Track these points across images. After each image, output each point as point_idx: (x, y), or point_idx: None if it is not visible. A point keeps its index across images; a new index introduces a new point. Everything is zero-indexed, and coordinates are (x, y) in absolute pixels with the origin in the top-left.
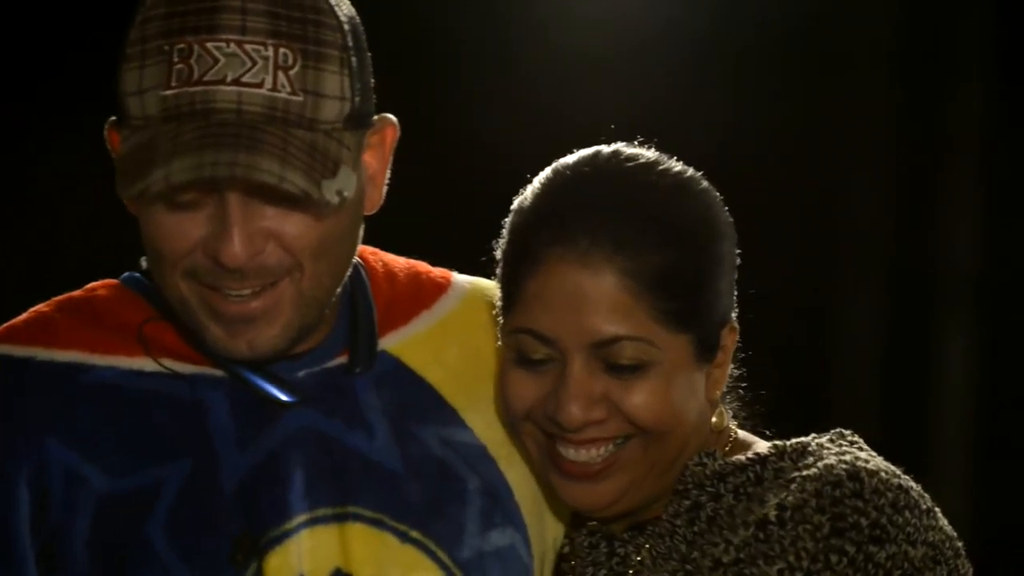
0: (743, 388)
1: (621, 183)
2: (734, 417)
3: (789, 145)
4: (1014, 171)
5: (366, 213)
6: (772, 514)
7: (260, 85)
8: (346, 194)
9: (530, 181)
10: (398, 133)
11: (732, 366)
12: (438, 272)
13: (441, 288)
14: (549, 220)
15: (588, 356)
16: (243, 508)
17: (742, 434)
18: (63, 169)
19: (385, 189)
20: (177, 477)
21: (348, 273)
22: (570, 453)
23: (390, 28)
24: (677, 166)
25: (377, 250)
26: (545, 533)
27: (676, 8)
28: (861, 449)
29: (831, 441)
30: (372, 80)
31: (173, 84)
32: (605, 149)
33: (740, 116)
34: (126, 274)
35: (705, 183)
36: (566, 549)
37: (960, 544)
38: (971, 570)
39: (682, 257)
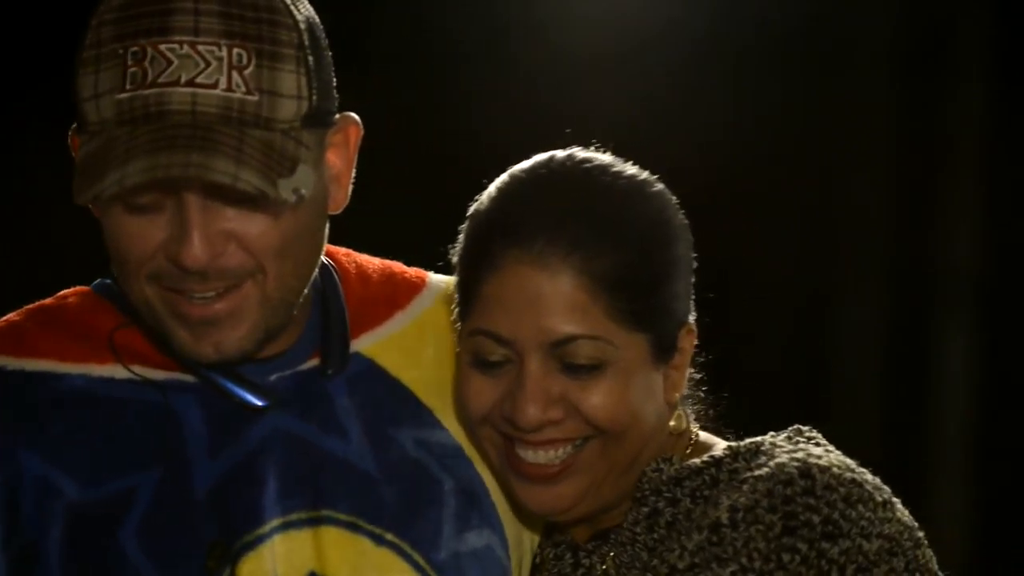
0: (704, 390)
1: (576, 185)
2: (696, 420)
3: (789, 145)
4: (1014, 171)
5: (331, 212)
6: (724, 516)
7: (215, 86)
8: (304, 192)
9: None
10: (361, 131)
11: (691, 369)
12: (413, 272)
13: (416, 288)
14: (505, 223)
15: (545, 356)
16: (216, 514)
17: (703, 436)
18: (63, 169)
19: (351, 188)
20: (149, 484)
21: (316, 274)
22: (528, 455)
23: (390, 28)
24: (632, 169)
25: (350, 251)
26: (522, 535)
27: (676, 8)
28: (818, 445)
29: (787, 439)
30: (334, 79)
31: (128, 87)
32: (560, 153)
33: (740, 116)
34: (97, 281)
35: (660, 186)
36: (537, 560)
37: (921, 535)
38: (933, 559)
39: (638, 258)
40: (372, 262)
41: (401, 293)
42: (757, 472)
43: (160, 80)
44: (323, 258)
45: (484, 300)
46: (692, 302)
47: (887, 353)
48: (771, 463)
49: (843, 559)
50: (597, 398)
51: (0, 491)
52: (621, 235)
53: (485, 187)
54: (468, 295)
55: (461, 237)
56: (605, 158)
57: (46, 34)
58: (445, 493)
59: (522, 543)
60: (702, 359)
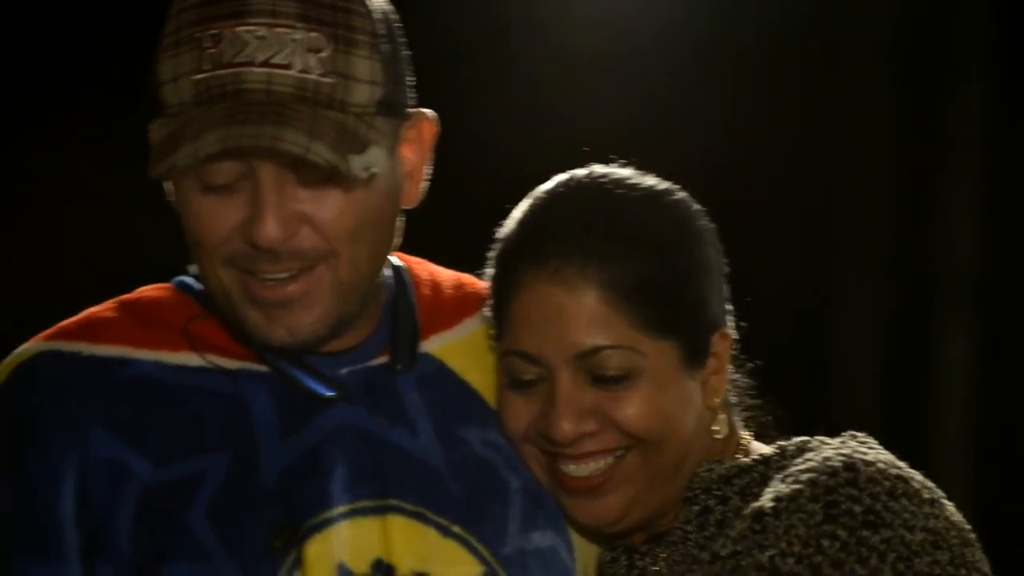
0: (753, 397)
1: (589, 199)
2: (746, 428)
3: (789, 145)
4: (1014, 171)
5: (404, 207)
6: (768, 505)
7: (290, 67)
8: (374, 171)
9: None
10: (436, 128)
11: (740, 375)
12: (483, 284)
13: (484, 298)
14: (523, 244)
15: (574, 370)
16: (283, 499)
17: (755, 444)
18: (63, 169)
19: (424, 185)
20: (219, 467)
21: (390, 274)
22: (571, 469)
23: None
24: (650, 180)
25: (424, 260)
26: (590, 544)
27: (676, 8)
28: (870, 448)
29: (840, 441)
30: (409, 74)
31: (205, 68)
32: (579, 171)
33: (740, 116)
34: (176, 278)
35: (681, 194)
36: (597, 565)
37: (973, 536)
38: (985, 562)
39: (657, 265)
40: (444, 272)
41: (471, 301)
42: (802, 466)
43: (237, 61)
44: (397, 261)
45: (512, 321)
46: (727, 308)
47: (887, 353)
48: (817, 457)
49: (884, 547)
50: (630, 408)
51: (73, 470)
52: (637, 244)
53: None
54: (499, 318)
55: (490, 262)
56: (622, 172)
57: (47, 34)
58: (511, 492)
59: (589, 551)
60: (751, 365)
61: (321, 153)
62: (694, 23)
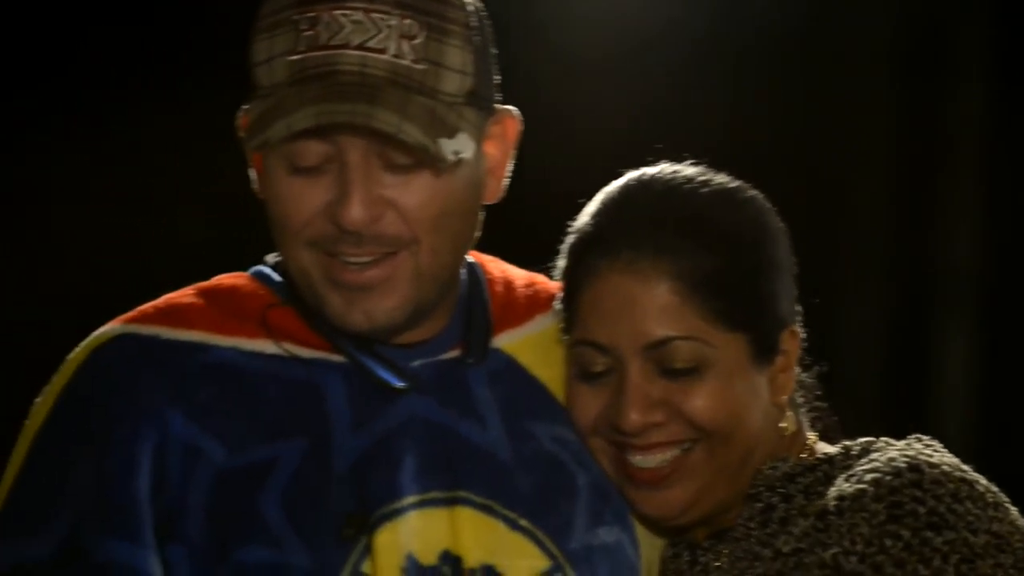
0: (818, 396)
1: (661, 194)
2: (812, 428)
3: (789, 145)
4: (1014, 171)
5: (486, 202)
6: (831, 504)
7: (384, 51)
8: (463, 156)
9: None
10: (520, 126)
11: (806, 375)
12: (554, 284)
13: (554, 297)
14: (596, 236)
15: (643, 361)
16: (354, 487)
17: (820, 444)
18: (63, 169)
19: (506, 182)
20: (292, 454)
21: (465, 271)
22: (637, 460)
23: None
24: (721, 177)
25: (497, 259)
26: (655, 540)
27: (676, 8)
28: (935, 451)
29: (905, 443)
30: (496, 71)
31: (300, 49)
32: (651, 168)
33: (740, 116)
34: (254, 267)
35: (753, 193)
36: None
37: None
38: None
39: (727, 259)
40: (515, 270)
41: (543, 299)
42: (866, 466)
43: (332, 43)
44: (472, 259)
45: (583, 312)
46: (795, 307)
47: (887, 353)
48: (881, 458)
49: (947, 548)
50: (698, 400)
51: (150, 451)
52: (708, 237)
53: None
54: (569, 308)
55: (561, 254)
56: (693, 169)
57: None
58: (579, 487)
59: (654, 548)
60: (818, 367)
61: (412, 133)
62: (694, 23)
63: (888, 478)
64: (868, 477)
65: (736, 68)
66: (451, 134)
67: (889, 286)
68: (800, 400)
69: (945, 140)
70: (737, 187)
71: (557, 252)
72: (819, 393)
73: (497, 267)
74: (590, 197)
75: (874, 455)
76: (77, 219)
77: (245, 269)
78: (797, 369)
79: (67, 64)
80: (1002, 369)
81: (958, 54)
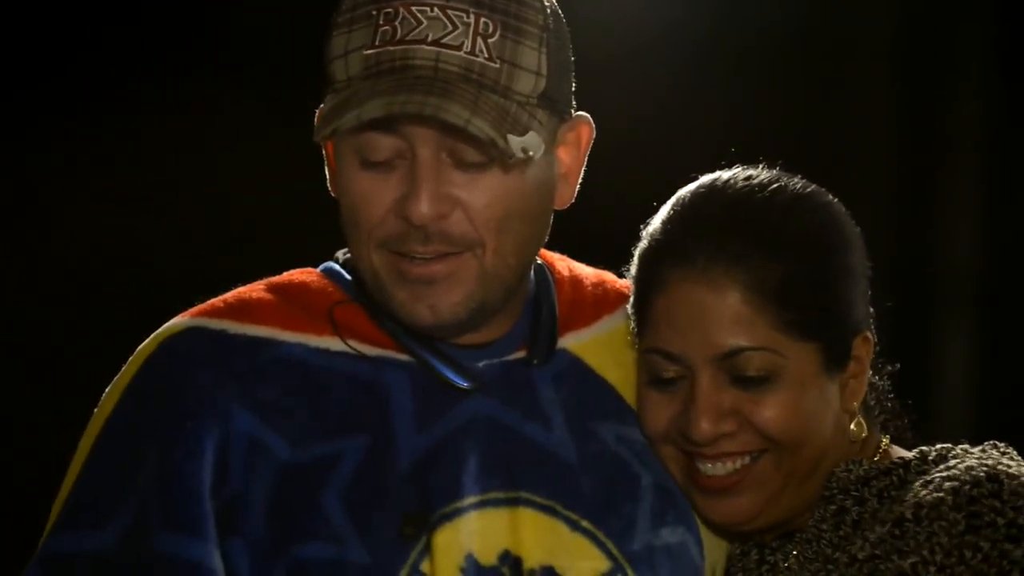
0: (891, 399)
1: (735, 201)
2: (883, 431)
3: (789, 145)
4: (1014, 171)
5: (557, 208)
6: (909, 512)
7: (459, 47)
8: (532, 153)
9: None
10: (594, 132)
11: (878, 379)
12: (623, 282)
13: (624, 296)
14: (669, 244)
15: (715, 370)
16: (416, 486)
17: (894, 448)
18: (63, 171)
19: (578, 187)
20: (355, 451)
21: (532, 274)
22: (707, 468)
23: None
24: (797, 183)
25: (566, 257)
26: (720, 541)
27: (676, 9)
28: (1012, 459)
29: (981, 450)
30: (572, 76)
31: (376, 44)
32: (724, 173)
33: (740, 116)
34: (324, 264)
35: (828, 198)
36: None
37: None
38: None
39: (801, 267)
40: (585, 269)
41: (611, 299)
42: (945, 473)
43: (408, 38)
44: (540, 261)
45: (655, 320)
46: (869, 312)
47: (887, 353)
48: (960, 466)
49: None
50: (769, 411)
51: (213, 444)
52: (782, 246)
53: None
54: (641, 315)
55: (633, 259)
56: (768, 174)
57: (46, 34)
58: (643, 488)
59: (719, 548)
60: (891, 369)
61: (481, 127)
62: (695, 23)
63: (967, 487)
64: (947, 485)
65: (736, 68)
66: (521, 132)
67: (889, 286)
68: (872, 403)
69: (945, 140)
70: (811, 192)
71: (558, 250)
72: (891, 395)
73: (566, 266)
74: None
75: (952, 462)
76: (77, 219)
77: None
78: (869, 372)
79: (67, 64)
80: (1002, 369)
81: (958, 54)
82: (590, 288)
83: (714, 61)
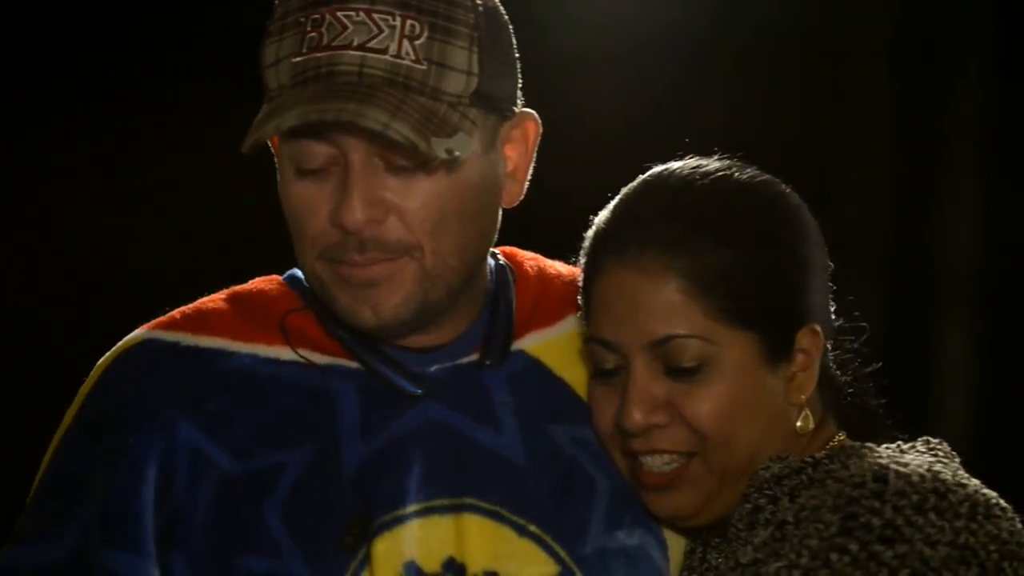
0: (851, 394)
1: (675, 189)
2: (843, 426)
3: (789, 145)
4: (1013, 171)
5: (505, 206)
6: (791, 515)
7: (384, 51)
8: (457, 154)
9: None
10: (540, 128)
11: (840, 373)
12: None
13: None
14: (608, 232)
15: (649, 359)
16: (359, 494)
17: (850, 443)
18: (63, 169)
19: (527, 185)
20: (299, 462)
21: (495, 268)
22: (647, 462)
23: None
24: (746, 173)
25: (539, 256)
26: (683, 539)
27: (675, 9)
28: (936, 454)
29: (911, 447)
30: (516, 72)
31: (304, 51)
32: (674, 163)
33: (739, 116)
34: (289, 271)
35: (779, 189)
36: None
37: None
38: None
39: (738, 256)
40: (558, 268)
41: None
42: (837, 473)
43: (334, 43)
44: (503, 260)
45: (593, 308)
46: (826, 304)
47: (887, 353)
48: (852, 465)
49: (896, 563)
50: (701, 405)
51: (156, 458)
52: (719, 234)
53: None
54: (585, 305)
55: (581, 250)
56: (716, 164)
57: (46, 34)
58: (597, 491)
59: (684, 545)
60: (857, 367)
61: (400, 130)
62: (694, 24)
63: (848, 488)
64: (832, 487)
65: (735, 68)
66: (449, 133)
67: (889, 286)
68: (829, 397)
69: (944, 140)
70: (759, 182)
71: (553, 251)
72: (869, 388)
73: (535, 265)
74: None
75: (851, 460)
76: (77, 219)
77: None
78: (834, 365)
79: (67, 64)
80: (1001, 369)
81: (958, 54)
82: (559, 287)
83: (712, 61)
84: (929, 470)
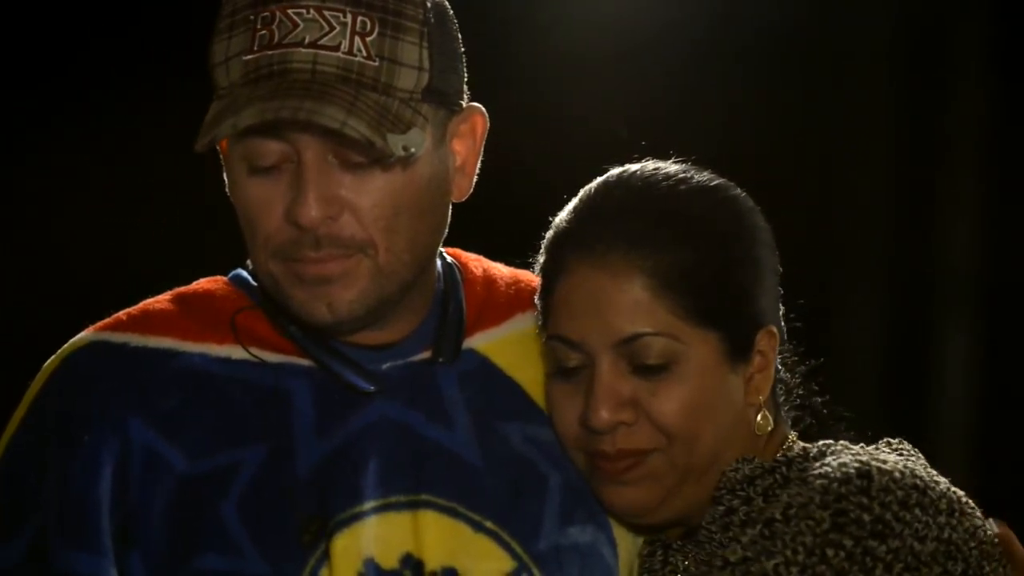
0: (800, 395)
1: (638, 190)
2: (795, 426)
3: (789, 145)
4: (1014, 171)
5: (454, 200)
6: (778, 512)
7: (336, 48)
8: (413, 151)
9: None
10: (487, 123)
11: (790, 375)
12: (539, 281)
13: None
14: (571, 231)
15: (614, 357)
16: (316, 492)
17: (799, 445)
18: (63, 169)
19: (475, 179)
20: (254, 460)
21: (442, 267)
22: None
23: None
24: (704, 175)
25: (482, 258)
26: (636, 539)
27: (675, 9)
28: (901, 454)
29: (875, 447)
30: (463, 68)
31: (255, 49)
32: (633, 165)
33: (739, 117)
34: (233, 271)
35: (735, 192)
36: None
37: (999, 550)
38: None
39: (700, 255)
40: (500, 269)
41: (524, 298)
42: (818, 471)
43: (285, 41)
44: (450, 260)
45: (556, 306)
46: (777, 307)
47: (887, 353)
48: (834, 463)
49: (890, 557)
50: (667, 403)
51: (111, 459)
52: (681, 233)
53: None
54: (545, 304)
55: (541, 250)
56: (676, 167)
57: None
58: (550, 488)
59: (634, 544)
60: (805, 366)
61: (357, 127)
62: (693, 24)
63: (835, 485)
64: (817, 484)
65: (736, 68)
66: (403, 130)
67: (889, 286)
68: (781, 398)
69: (944, 140)
70: (718, 185)
71: None
72: (815, 390)
73: (480, 266)
74: None
75: (829, 459)
76: (77, 219)
77: (244, 269)
78: (782, 367)
79: (67, 64)
80: (1002, 369)
81: (958, 54)
82: (504, 288)
83: (712, 61)
84: (905, 467)
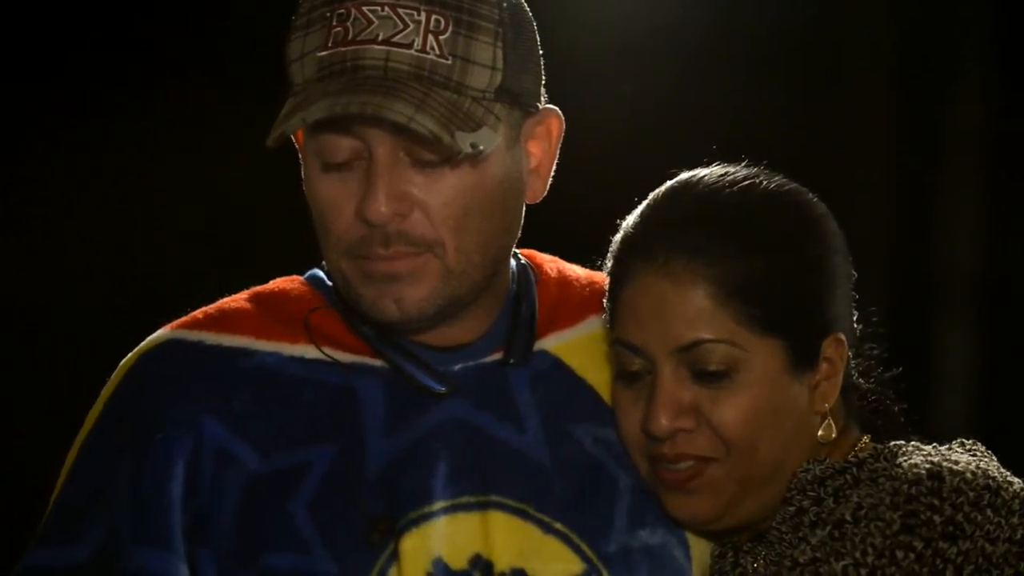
0: (873, 400)
1: (704, 196)
2: (866, 431)
3: (789, 146)
4: (1014, 171)
5: (528, 202)
6: (848, 513)
7: (409, 45)
8: (482, 148)
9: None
10: (563, 124)
11: (865, 382)
12: None
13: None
14: (636, 237)
15: (675, 364)
16: (384, 491)
17: (872, 445)
18: (63, 169)
19: (550, 180)
20: (324, 459)
21: (517, 268)
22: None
23: None
24: (773, 181)
25: (557, 259)
26: (708, 541)
27: (675, 9)
28: (974, 456)
29: (948, 448)
30: (540, 68)
31: (329, 45)
32: (701, 170)
33: (739, 116)
34: (310, 271)
35: (806, 197)
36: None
37: None
38: None
39: (767, 263)
40: (576, 271)
41: (598, 300)
42: (889, 472)
43: (359, 38)
44: (524, 261)
45: (620, 312)
46: (850, 313)
47: (887, 353)
48: (904, 464)
49: (960, 559)
50: (728, 412)
51: (183, 456)
52: (746, 241)
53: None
54: (611, 309)
55: (609, 254)
56: (744, 171)
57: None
58: (620, 489)
59: (710, 544)
60: (878, 373)
61: (424, 123)
62: (695, 25)
63: (906, 486)
64: (887, 485)
65: (736, 70)
66: (473, 128)
67: (889, 286)
68: (854, 405)
69: (945, 141)
70: (787, 191)
71: (554, 249)
72: (892, 396)
73: (555, 267)
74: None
75: (900, 459)
76: (76, 218)
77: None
78: (855, 373)
79: (67, 64)
80: (1002, 369)
81: (958, 54)
82: (578, 289)
83: (712, 61)
84: (978, 467)
